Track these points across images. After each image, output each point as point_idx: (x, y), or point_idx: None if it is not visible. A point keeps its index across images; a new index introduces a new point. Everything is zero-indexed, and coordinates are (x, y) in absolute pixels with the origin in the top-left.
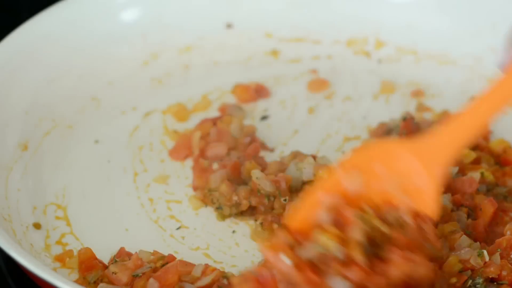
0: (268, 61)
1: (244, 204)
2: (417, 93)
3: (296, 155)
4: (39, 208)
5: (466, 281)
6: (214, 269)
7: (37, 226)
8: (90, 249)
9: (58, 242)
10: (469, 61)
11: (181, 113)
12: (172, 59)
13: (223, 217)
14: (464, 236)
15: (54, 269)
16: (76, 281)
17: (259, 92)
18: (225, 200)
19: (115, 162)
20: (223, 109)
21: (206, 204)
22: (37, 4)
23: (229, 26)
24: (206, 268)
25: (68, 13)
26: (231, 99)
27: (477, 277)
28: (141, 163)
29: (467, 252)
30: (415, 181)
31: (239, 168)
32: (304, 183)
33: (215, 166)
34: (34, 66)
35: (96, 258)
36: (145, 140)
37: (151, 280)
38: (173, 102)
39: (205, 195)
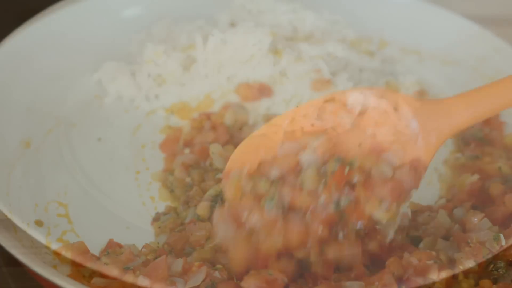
0: (272, 60)
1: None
2: (421, 93)
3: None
4: (41, 205)
5: (488, 265)
6: (202, 265)
7: (39, 223)
8: (83, 243)
9: (59, 240)
10: (472, 62)
11: (184, 111)
12: (175, 58)
13: (179, 201)
14: (485, 219)
15: (54, 266)
16: (70, 275)
17: (262, 91)
18: (178, 182)
19: (117, 160)
20: (226, 108)
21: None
22: (41, 2)
23: (232, 24)
24: (191, 264)
25: (71, 12)
26: (234, 98)
27: (499, 261)
28: (143, 161)
29: (485, 234)
30: (411, 138)
31: (207, 153)
32: None
33: (186, 151)
34: (38, 64)
35: (89, 252)
36: (148, 138)
37: (141, 277)
38: (176, 101)
39: (164, 178)
